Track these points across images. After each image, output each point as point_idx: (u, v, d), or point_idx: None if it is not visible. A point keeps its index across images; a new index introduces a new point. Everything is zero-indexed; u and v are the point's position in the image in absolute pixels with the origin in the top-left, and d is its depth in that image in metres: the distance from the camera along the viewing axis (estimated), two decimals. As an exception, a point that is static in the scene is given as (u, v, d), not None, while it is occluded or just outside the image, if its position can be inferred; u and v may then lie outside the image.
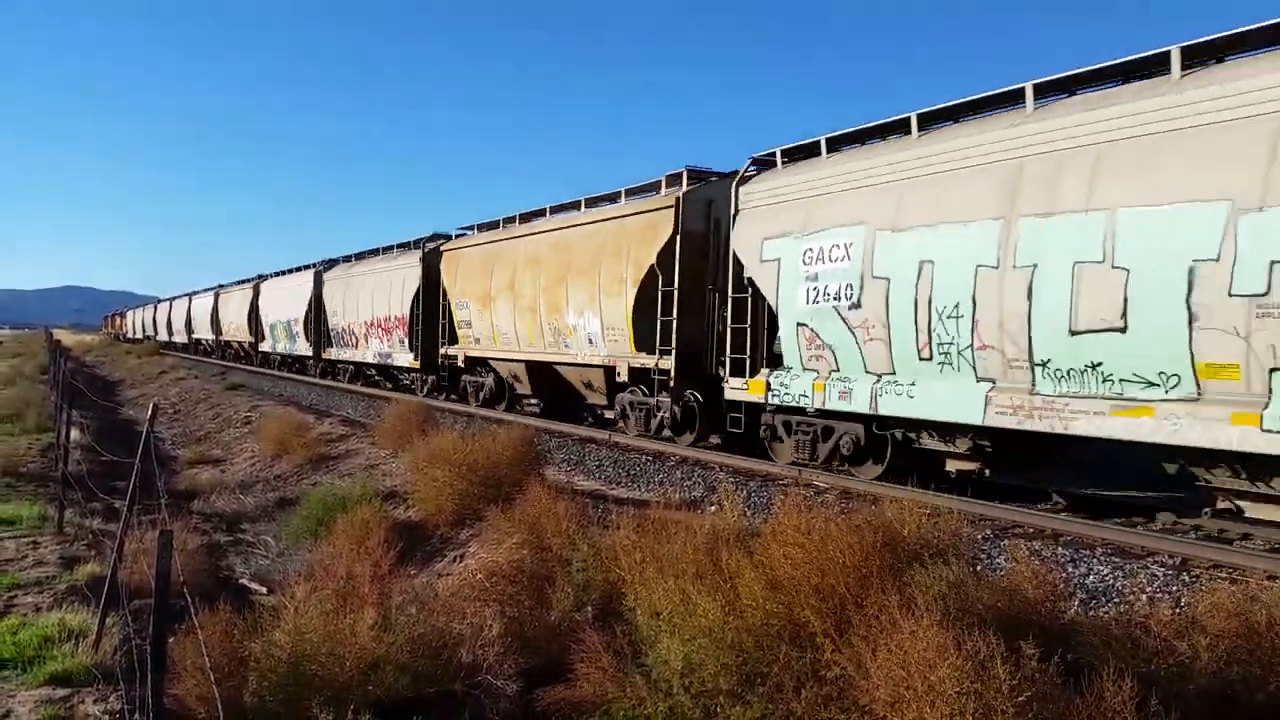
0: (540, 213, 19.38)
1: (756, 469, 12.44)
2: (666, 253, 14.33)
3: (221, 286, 49.74)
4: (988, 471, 10.69)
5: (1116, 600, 6.80)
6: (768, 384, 12.53)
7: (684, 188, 14.64)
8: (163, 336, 68.06)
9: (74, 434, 14.09)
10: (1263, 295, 7.25)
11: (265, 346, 39.81)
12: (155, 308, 77.19)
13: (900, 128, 11.07)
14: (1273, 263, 7.20)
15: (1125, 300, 8.15)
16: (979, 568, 6.96)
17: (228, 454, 18.11)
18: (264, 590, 9.16)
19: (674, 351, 14.24)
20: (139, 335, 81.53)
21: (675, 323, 14.27)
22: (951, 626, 4.47)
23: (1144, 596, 6.71)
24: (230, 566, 10.49)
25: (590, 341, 16.39)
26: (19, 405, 22.90)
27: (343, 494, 11.12)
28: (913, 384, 10.30)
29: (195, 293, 58.54)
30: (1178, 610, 5.98)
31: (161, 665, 4.38)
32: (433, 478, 10.57)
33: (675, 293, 14.28)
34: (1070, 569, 7.53)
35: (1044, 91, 9.63)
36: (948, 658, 4.29)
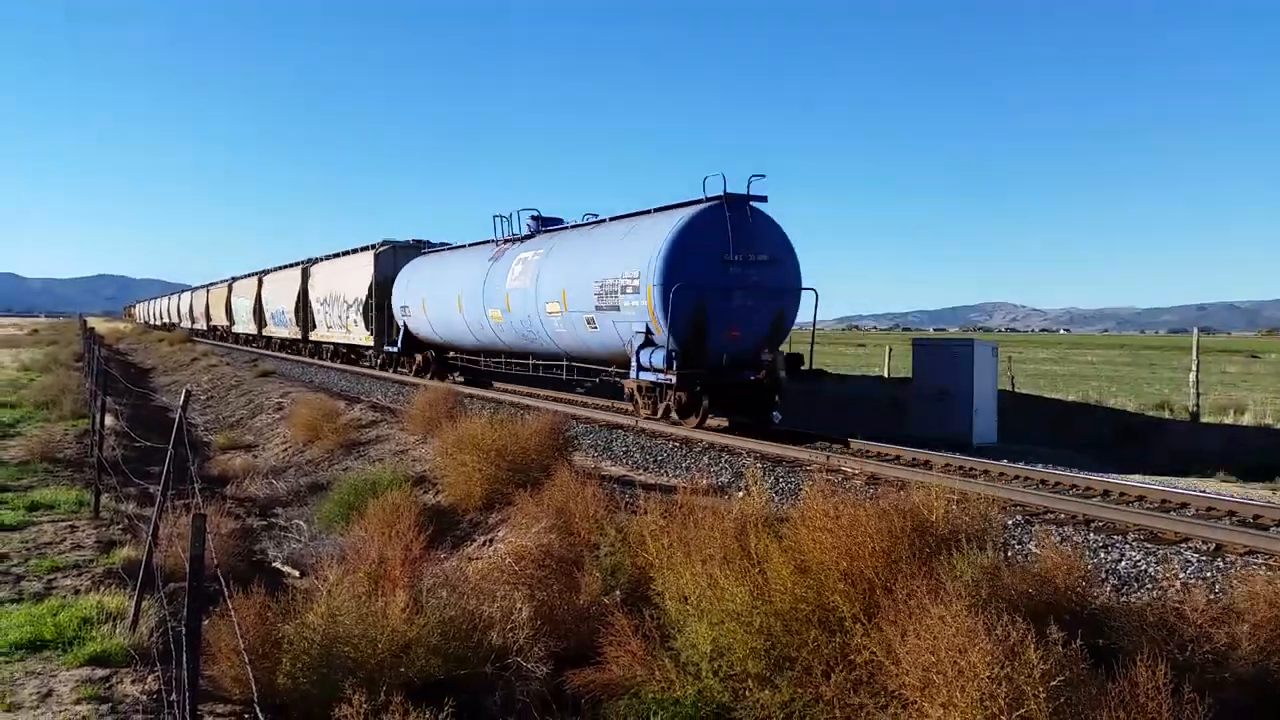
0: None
1: (785, 454, 12.42)
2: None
3: (211, 283, 63.44)
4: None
5: (1149, 586, 6.74)
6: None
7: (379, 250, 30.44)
8: (176, 322, 78.60)
9: (109, 420, 14.30)
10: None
11: (240, 329, 51.99)
12: (166, 298, 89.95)
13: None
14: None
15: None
16: (1009, 553, 6.92)
17: (260, 440, 18.30)
18: (296, 574, 9.25)
19: (375, 331, 29.37)
20: (155, 323, 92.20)
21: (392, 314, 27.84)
22: (981, 611, 4.45)
23: (1177, 583, 6.65)
24: (263, 550, 10.60)
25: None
26: (55, 392, 23.22)
27: (373, 479, 11.20)
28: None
29: (195, 288, 72.53)
30: (1213, 597, 5.92)
31: (196, 647, 4.44)
32: (461, 463, 10.63)
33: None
34: (1102, 555, 7.48)
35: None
36: (978, 642, 4.28)
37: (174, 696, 5.81)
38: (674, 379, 14.23)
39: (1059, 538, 7.65)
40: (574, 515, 8.16)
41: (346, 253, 33.94)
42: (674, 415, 15.26)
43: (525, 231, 20.91)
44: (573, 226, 19.62)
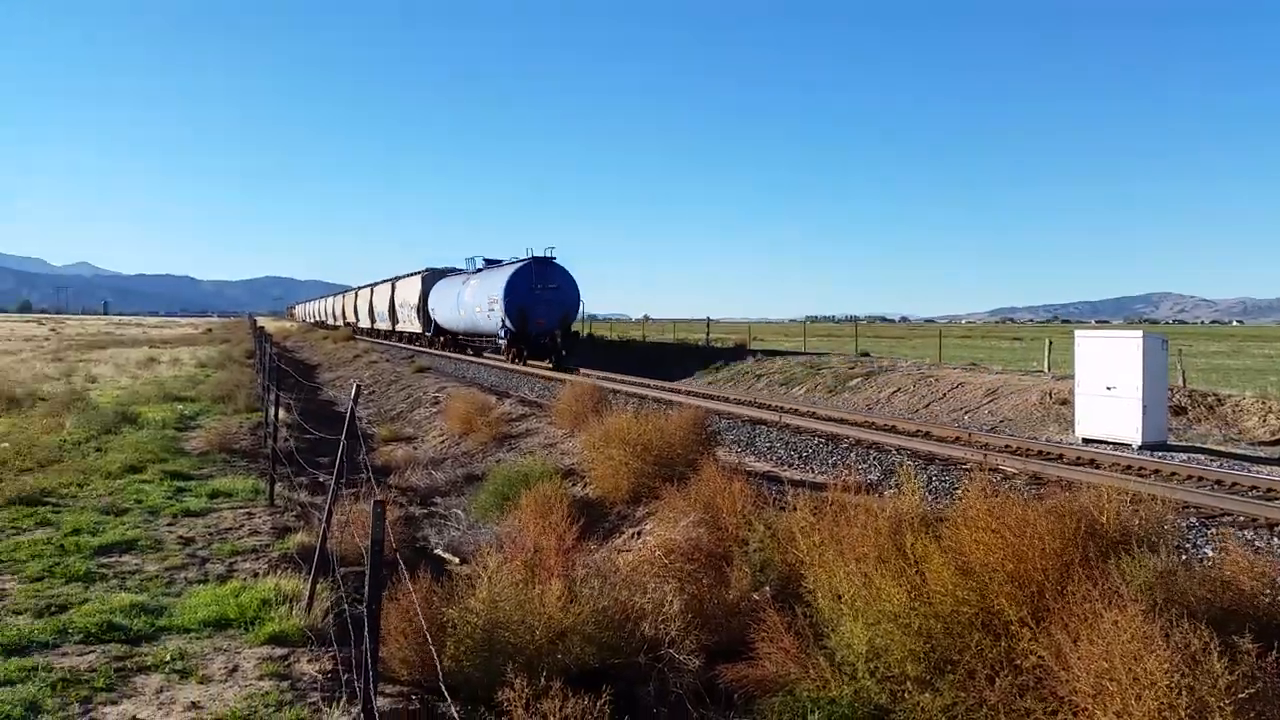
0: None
1: (937, 452, 12.09)
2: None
3: (361, 287, 76.47)
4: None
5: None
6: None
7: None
8: (325, 320, 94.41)
9: (280, 413, 15.21)
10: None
11: (361, 325, 71.25)
12: (319, 300, 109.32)
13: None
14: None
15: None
16: (1184, 557, 6.54)
17: (419, 432, 19.07)
18: (456, 560, 9.60)
19: (423, 324, 49.10)
20: (309, 322, 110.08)
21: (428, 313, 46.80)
22: (1159, 617, 4.23)
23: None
24: (425, 537, 11.05)
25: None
26: (230, 387, 24.85)
27: (525, 471, 11.50)
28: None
29: (338, 291, 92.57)
30: None
31: (376, 627, 4.67)
32: (608, 456, 10.79)
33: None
34: (1292, 562, 6.97)
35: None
36: (1155, 649, 4.07)
37: (348, 676, 6.14)
38: (508, 342, 34.28)
39: (1239, 540, 7.17)
40: (721, 510, 8.17)
41: (410, 274, 53.95)
42: (515, 361, 34.42)
43: (477, 267, 41.85)
44: (487, 265, 40.59)
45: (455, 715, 4.32)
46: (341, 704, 5.78)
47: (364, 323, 68.68)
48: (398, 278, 57.26)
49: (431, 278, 48.65)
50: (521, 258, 34.75)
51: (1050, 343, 27.58)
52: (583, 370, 30.56)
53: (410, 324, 51.86)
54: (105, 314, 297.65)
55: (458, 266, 46.66)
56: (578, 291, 34.81)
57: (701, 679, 6.11)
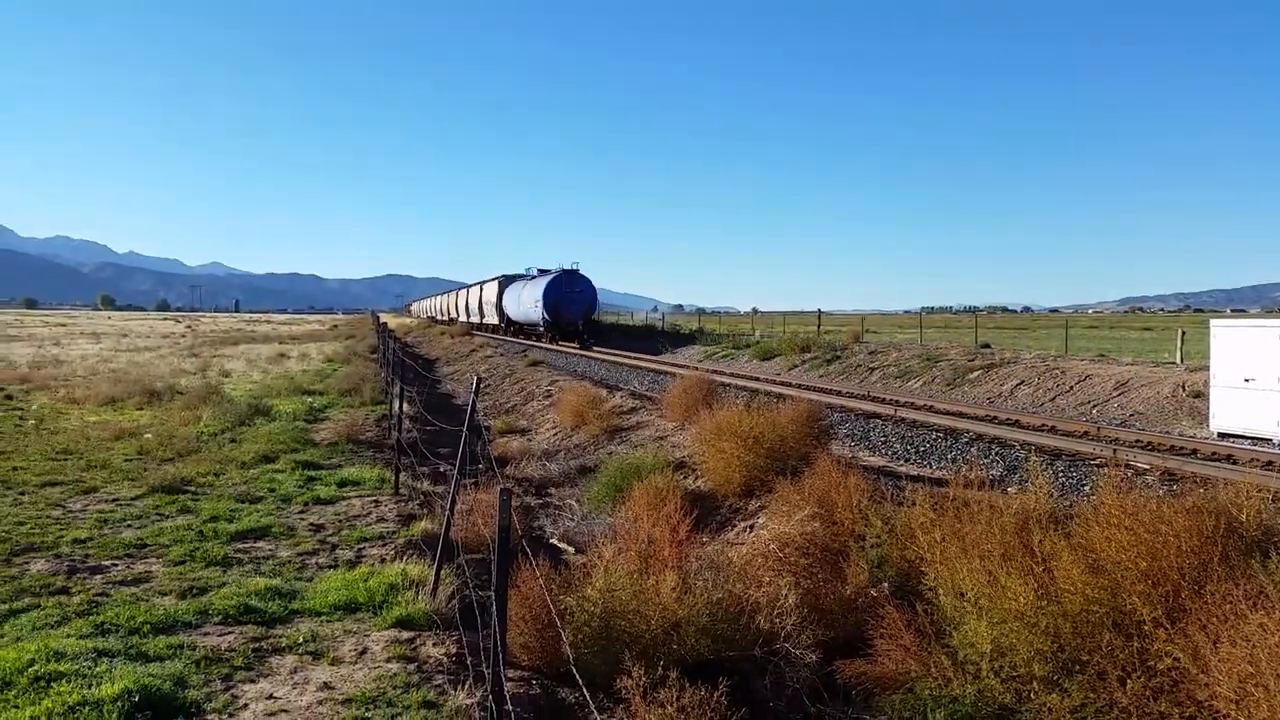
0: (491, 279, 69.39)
1: (1064, 447, 11.66)
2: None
3: (464, 286, 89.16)
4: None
5: None
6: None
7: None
8: (436, 316, 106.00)
9: (404, 406, 15.73)
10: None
11: (460, 319, 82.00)
12: (431, 298, 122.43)
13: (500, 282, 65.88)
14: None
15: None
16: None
17: (532, 424, 19.45)
18: (571, 550, 9.77)
19: (498, 318, 62.97)
20: (421, 317, 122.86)
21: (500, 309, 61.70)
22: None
23: None
24: (540, 527, 11.27)
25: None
26: (355, 381, 25.80)
27: (636, 463, 11.60)
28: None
29: (449, 290, 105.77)
30: None
31: (504, 613, 4.78)
32: (720, 449, 10.78)
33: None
34: None
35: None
36: (1306, 657, 3.85)
37: (471, 660, 6.31)
38: (544, 329, 49.41)
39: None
40: (836, 505, 8.08)
41: (490, 279, 67.74)
42: (551, 343, 47.01)
43: (532, 275, 56.21)
44: (539, 274, 53.88)
45: (588, 699, 4.40)
46: (467, 686, 5.95)
47: (462, 317, 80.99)
48: (483, 282, 72.04)
49: (505, 282, 62.91)
50: (555, 269, 50.10)
51: (1183, 333, 26.24)
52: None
53: (491, 317, 66.09)
54: (236, 311, 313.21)
55: (521, 273, 61.44)
56: (595, 292, 49.89)
57: (818, 674, 6.06)
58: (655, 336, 52.71)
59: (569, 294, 48.19)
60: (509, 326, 59.29)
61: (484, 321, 68.97)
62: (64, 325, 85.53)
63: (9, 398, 22.46)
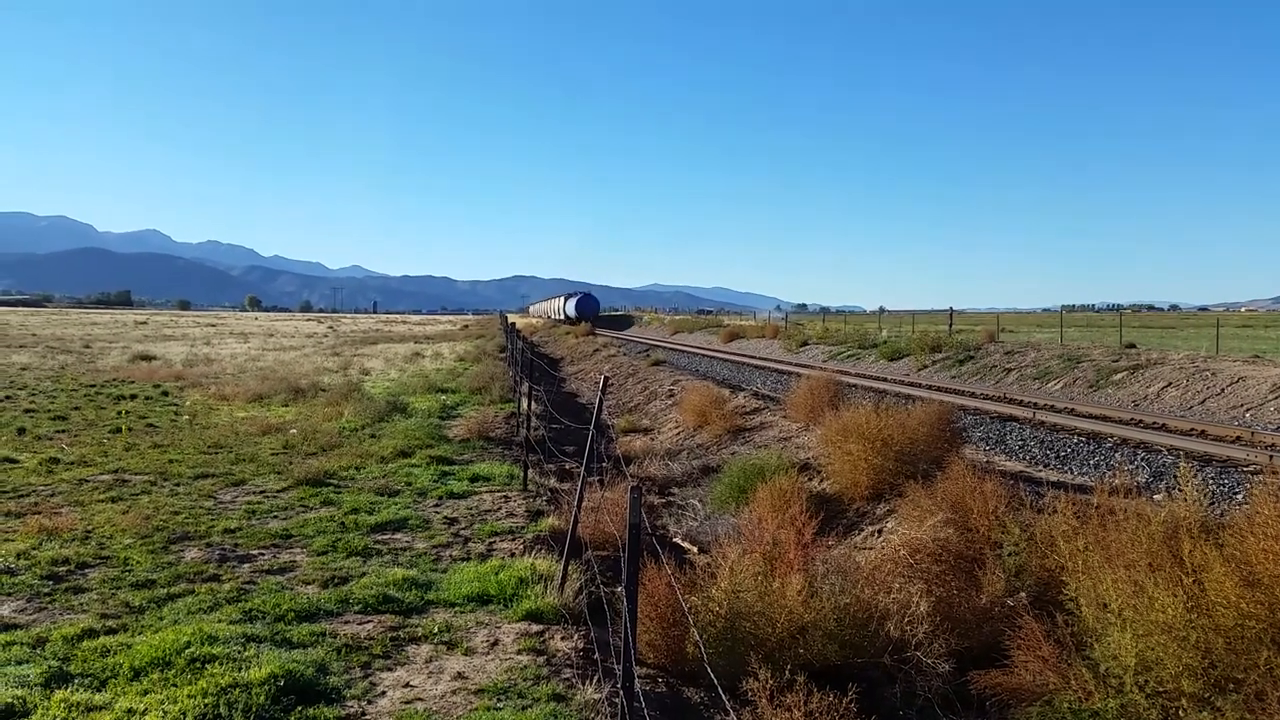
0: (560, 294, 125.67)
1: (1214, 453, 11.01)
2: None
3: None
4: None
5: None
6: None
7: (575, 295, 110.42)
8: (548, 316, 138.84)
9: (531, 404, 16.07)
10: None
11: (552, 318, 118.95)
12: (545, 300, 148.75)
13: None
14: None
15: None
16: None
17: (655, 424, 19.57)
18: (695, 549, 9.79)
19: (566, 315, 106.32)
20: (537, 318, 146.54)
21: (566, 310, 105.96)
22: None
23: None
24: (664, 526, 11.33)
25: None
26: (485, 379, 26.48)
27: (760, 464, 11.51)
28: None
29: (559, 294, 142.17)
30: None
31: (634, 609, 4.82)
32: (846, 451, 10.60)
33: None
34: None
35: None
36: None
37: (598, 655, 6.40)
38: (570, 322, 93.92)
39: None
40: (971, 510, 7.83)
41: (561, 295, 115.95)
42: (608, 331, 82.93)
43: (572, 292, 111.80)
44: (576, 292, 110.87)
45: (724, 699, 4.40)
46: (594, 681, 6.03)
47: (556, 316, 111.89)
48: (562, 295, 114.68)
49: (570, 294, 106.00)
50: (578, 293, 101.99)
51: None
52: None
53: (560, 316, 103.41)
54: (374, 312, 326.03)
55: (572, 292, 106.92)
56: (597, 303, 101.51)
57: (951, 684, 5.90)
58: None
59: (582, 302, 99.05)
60: (567, 321, 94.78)
61: (559, 317, 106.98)
62: (214, 325, 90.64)
63: (165, 394, 24.00)
